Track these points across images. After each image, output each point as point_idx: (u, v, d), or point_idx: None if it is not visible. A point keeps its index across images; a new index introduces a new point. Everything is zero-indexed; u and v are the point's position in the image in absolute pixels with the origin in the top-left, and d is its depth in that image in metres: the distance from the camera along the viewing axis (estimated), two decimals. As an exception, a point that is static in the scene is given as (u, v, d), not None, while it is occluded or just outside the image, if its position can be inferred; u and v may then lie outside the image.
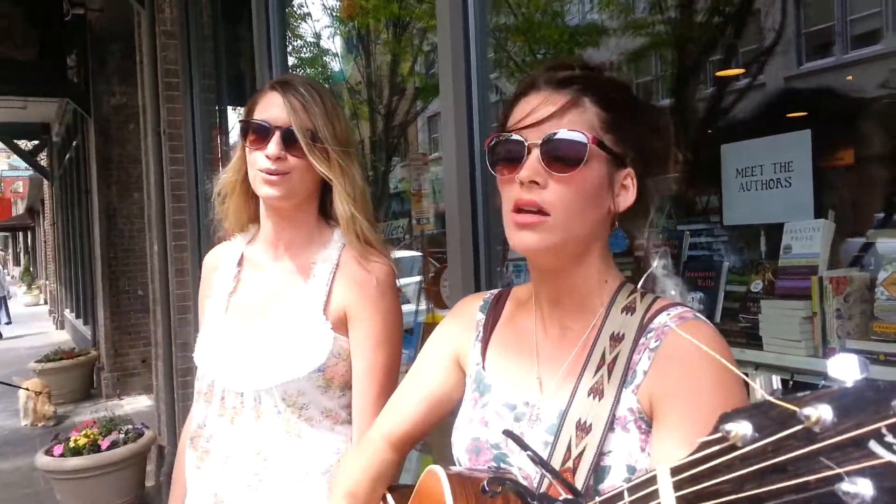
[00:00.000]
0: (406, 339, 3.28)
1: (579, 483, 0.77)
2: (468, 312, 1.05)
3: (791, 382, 1.88)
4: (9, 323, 14.74)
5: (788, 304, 1.90)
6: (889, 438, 0.35)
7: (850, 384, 0.38)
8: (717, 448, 0.43)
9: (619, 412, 0.81)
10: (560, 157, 0.83)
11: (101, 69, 6.71)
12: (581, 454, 0.79)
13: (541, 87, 0.87)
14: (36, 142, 12.16)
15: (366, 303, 1.26)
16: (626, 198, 0.88)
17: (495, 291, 1.06)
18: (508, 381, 0.94)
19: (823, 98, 2.52)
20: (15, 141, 11.40)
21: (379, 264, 1.29)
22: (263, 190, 1.23)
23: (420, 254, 3.91)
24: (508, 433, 0.80)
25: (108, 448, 3.84)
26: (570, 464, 0.79)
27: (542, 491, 0.71)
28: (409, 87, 7.23)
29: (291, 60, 6.79)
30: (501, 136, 0.87)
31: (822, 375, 1.80)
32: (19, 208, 25.07)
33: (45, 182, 14.19)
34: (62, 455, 3.82)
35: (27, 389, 6.08)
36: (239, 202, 1.34)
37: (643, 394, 0.80)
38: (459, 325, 1.04)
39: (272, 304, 1.29)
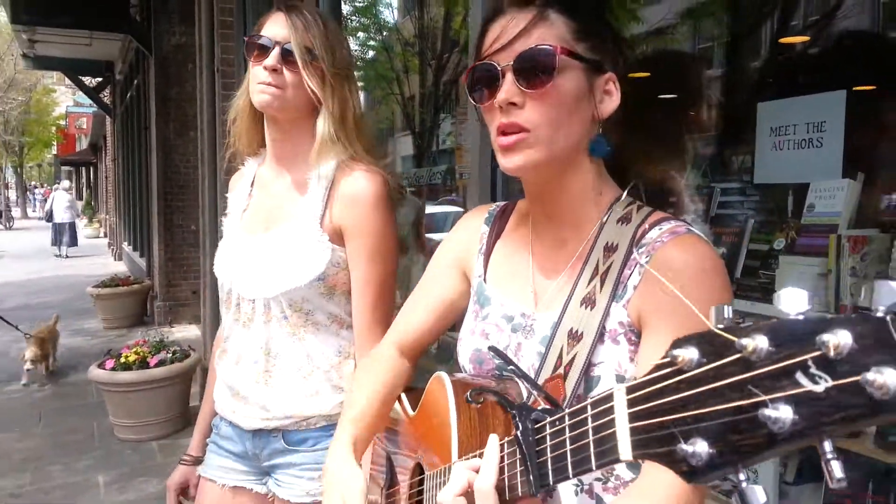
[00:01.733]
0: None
1: (569, 388, 0.81)
2: (473, 225, 1.06)
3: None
4: (75, 245, 16.25)
5: (804, 261, 1.93)
6: (813, 370, 0.38)
7: (790, 317, 0.40)
8: (668, 370, 0.46)
9: (609, 325, 0.83)
10: (532, 73, 0.82)
11: (163, 7, 6.85)
12: (572, 361, 0.82)
13: (506, 9, 0.87)
14: (100, 79, 12.47)
15: (358, 219, 1.31)
16: (610, 102, 0.88)
17: (501, 204, 1.07)
18: (506, 294, 0.96)
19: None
20: (80, 77, 11.79)
21: (370, 179, 1.32)
22: (258, 98, 1.29)
23: (461, 209, 3.99)
24: (494, 349, 0.86)
25: (156, 366, 4.11)
26: (561, 370, 0.83)
27: (522, 402, 0.75)
28: (462, 40, 7.19)
29: (345, 8, 6.83)
30: (476, 66, 0.87)
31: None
32: (83, 144, 25.88)
33: (108, 119, 14.64)
34: (113, 369, 4.10)
35: (26, 335, 5.43)
36: (249, 124, 1.41)
37: (633, 308, 0.82)
38: (465, 236, 1.07)
39: (274, 218, 1.38)
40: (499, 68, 0.84)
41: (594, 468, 0.53)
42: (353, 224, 1.32)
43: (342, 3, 4.20)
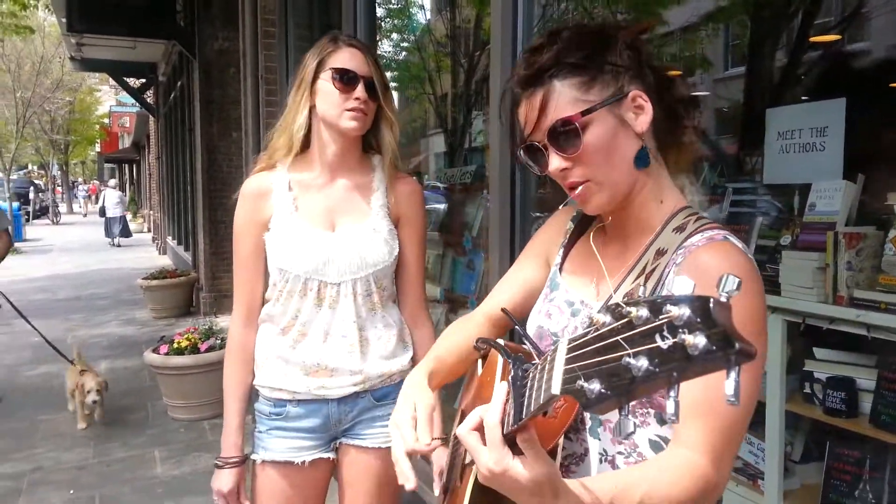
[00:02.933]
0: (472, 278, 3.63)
1: None
2: (562, 221, 1.19)
3: (803, 326, 2.09)
4: (128, 236, 18.29)
5: (805, 255, 2.09)
6: (665, 332, 0.50)
7: (674, 296, 0.51)
8: (591, 328, 0.59)
9: None
10: (564, 142, 0.93)
11: (206, 14, 7.09)
12: None
13: (521, 95, 0.97)
14: (143, 80, 12.86)
15: (413, 211, 1.69)
16: (644, 115, 0.94)
17: None
18: (573, 284, 1.07)
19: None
20: (124, 78, 12.26)
21: (415, 182, 1.71)
22: (350, 124, 1.54)
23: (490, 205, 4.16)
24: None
25: (206, 351, 4.40)
26: None
27: (519, 354, 0.84)
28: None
29: (380, 11, 7.02)
30: (524, 147, 0.98)
31: (828, 320, 2.01)
32: (126, 142, 26.64)
33: (151, 118, 15.12)
34: (167, 354, 4.42)
35: (72, 362, 4.67)
36: (299, 135, 1.60)
37: None
38: (553, 230, 1.19)
39: (340, 215, 1.62)
40: (540, 146, 0.96)
41: (541, 401, 0.66)
42: (409, 215, 1.68)
43: (377, 6, 4.41)
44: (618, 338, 0.54)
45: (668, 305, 0.50)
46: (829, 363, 2.14)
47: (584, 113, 0.91)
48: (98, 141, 32.30)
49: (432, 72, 7.33)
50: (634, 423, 0.94)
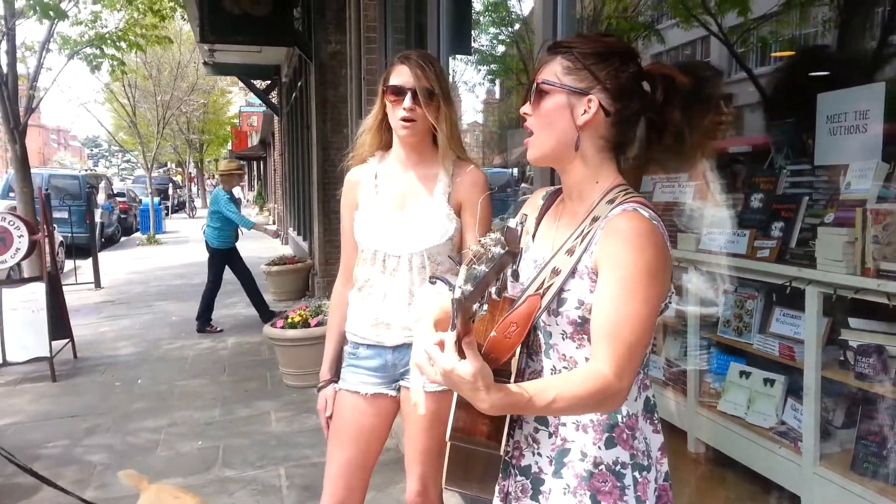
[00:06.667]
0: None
1: (544, 303, 1.19)
2: (536, 199, 1.47)
3: (834, 297, 2.25)
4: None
5: (836, 231, 2.24)
6: (489, 251, 0.96)
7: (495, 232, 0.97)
8: (469, 258, 0.99)
9: (579, 267, 1.18)
10: (532, 95, 1.24)
11: (320, 20, 7.60)
12: (550, 286, 1.21)
13: (544, 57, 1.27)
14: (268, 82, 13.71)
15: (474, 198, 1.93)
16: (587, 116, 1.19)
17: (555, 188, 1.44)
18: (538, 245, 1.34)
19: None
20: (252, 81, 13.24)
21: (476, 173, 1.95)
22: (402, 132, 1.88)
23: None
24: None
25: (315, 325, 4.95)
26: (541, 291, 1.21)
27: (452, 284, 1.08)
28: (583, 29, 7.39)
29: (479, 6, 7.29)
30: (526, 91, 1.28)
31: (855, 290, 2.15)
32: (254, 140, 28.32)
33: (276, 117, 16.12)
34: (283, 327, 5.00)
35: None
36: (374, 137, 1.99)
37: (593, 257, 1.17)
38: (530, 207, 1.47)
39: (408, 199, 1.96)
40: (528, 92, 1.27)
41: (456, 308, 0.97)
42: (468, 201, 1.92)
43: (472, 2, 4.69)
44: (474, 259, 0.97)
45: (492, 235, 0.97)
46: (862, 332, 2.27)
47: (545, 82, 1.23)
48: (230, 139, 34.51)
49: (528, 60, 7.53)
50: (574, 346, 1.22)
